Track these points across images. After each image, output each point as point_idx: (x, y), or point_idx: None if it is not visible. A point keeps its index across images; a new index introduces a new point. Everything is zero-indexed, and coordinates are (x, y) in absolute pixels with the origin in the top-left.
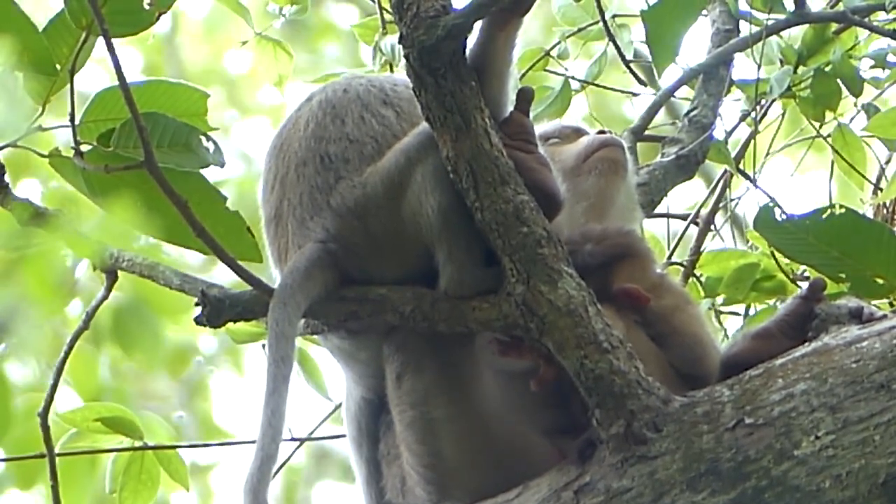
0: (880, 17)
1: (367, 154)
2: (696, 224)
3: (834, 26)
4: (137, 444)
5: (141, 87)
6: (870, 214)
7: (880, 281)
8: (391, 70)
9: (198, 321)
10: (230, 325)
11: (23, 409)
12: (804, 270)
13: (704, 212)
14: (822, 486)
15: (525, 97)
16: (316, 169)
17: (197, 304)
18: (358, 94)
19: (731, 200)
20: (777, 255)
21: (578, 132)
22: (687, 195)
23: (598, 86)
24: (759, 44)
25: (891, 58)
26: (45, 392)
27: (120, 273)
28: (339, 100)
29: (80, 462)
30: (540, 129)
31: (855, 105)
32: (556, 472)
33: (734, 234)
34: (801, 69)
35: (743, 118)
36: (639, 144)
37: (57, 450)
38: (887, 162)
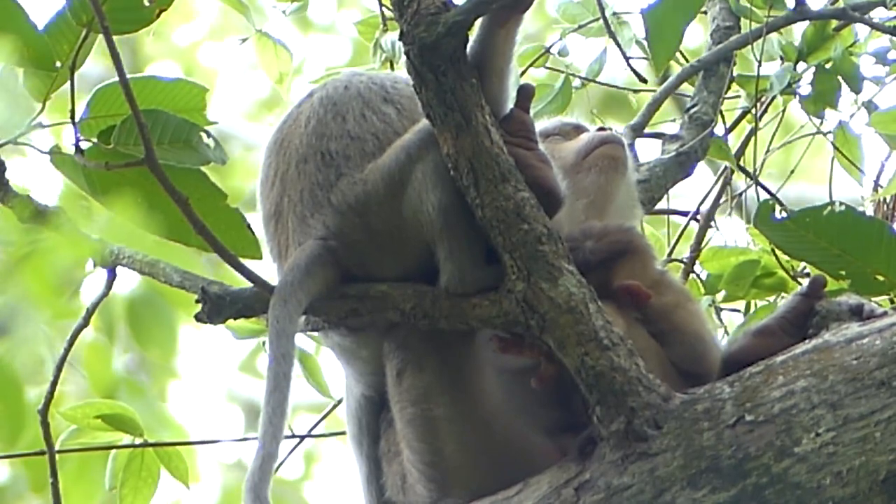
0: (880, 13)
1: (367, 151)
2: (697, 221)
3: (834, 23)
4: (138, 440)
5: (139, 84)
6: (870, 211)
7: (880, 278)
8: (392, 67)
9: (198, 318)
10: (231, 321)
11: (33, 408)
12: (804, 267)
13: (705, 208)
14: (822, 483)
15: (525, 94)
16: (317, 166)
17: (197, 301)
18: (359, 91)
19: (733, 197)
20: (777, 251)
21: (579, 129)
22: (691, 191)
23: (598, 83)
24: (760, 41)
25: (891, 55)
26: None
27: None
28: (340, 97)
29: (91, 459)
30: (540, 126)
31: (855, 102)
32: (557, 470)
33: (743, 218)
34: (801, 66)
35: (743, 115)
36: (639, 141)
37: (57, 447)
38: (887, 158)
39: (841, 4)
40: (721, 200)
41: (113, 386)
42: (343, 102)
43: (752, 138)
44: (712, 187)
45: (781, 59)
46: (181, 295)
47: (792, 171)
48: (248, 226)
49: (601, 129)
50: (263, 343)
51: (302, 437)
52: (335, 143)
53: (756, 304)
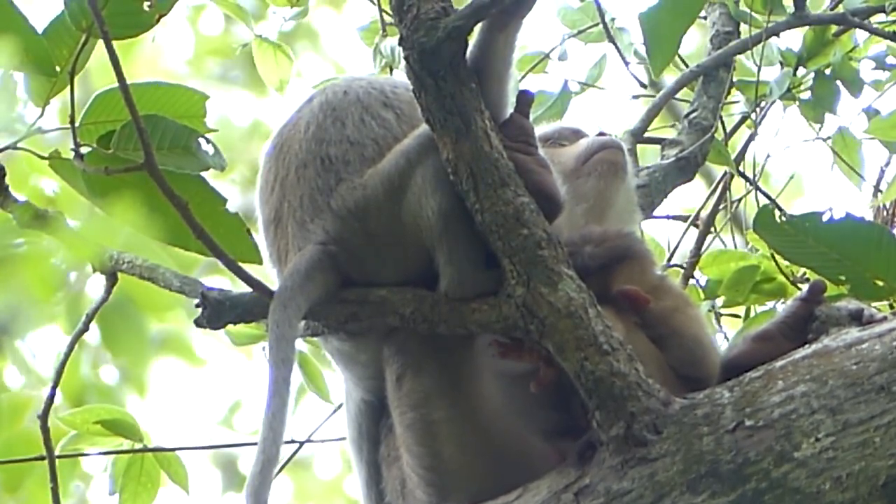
0: (880, 18)
1: (367, 156)
2: (696, 226)
3: (834, 28)
4: (137, 446)
5: (139, 89)
6: (869, 216)
7: (880, 283)
8: (391, 72)
9: (197, 323)
10: (230, 326)
11: (7, 412)
12: (804, 273)
13: (704, 214)
14: (822, 488)
15: (525, 99)
16: (316, 171)
17: (197, 306)
18: (358, 96)
19: (732, 202)
20: (777, 257)
21: (578, 134)
22: (688, 197)
23: (598, 88)
24: (759, 46)
25: (891, 59)
26: (34, 395)
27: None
28: (340, 102)
29: (60, 465)
30: (540, 130)
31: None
32: (556, 474)
33: (734, 234)
34: (801, 71)
35: (743, 120)
36: (638, 146)
37: (57, 451)
38: (887, 164)
39: (840, 10)
40: (721, 206)
41: (81, 392)
42: (342, 107)
43: (752, 143)
44: (711, 192)
45: (781, 64)
46: (155, 306)
47: (791, 177)
48: (248, 231)
49: (600, 134)
50: (263, 348)
51: (301, 443)
52: (335, 148)
53: (756, 310)
